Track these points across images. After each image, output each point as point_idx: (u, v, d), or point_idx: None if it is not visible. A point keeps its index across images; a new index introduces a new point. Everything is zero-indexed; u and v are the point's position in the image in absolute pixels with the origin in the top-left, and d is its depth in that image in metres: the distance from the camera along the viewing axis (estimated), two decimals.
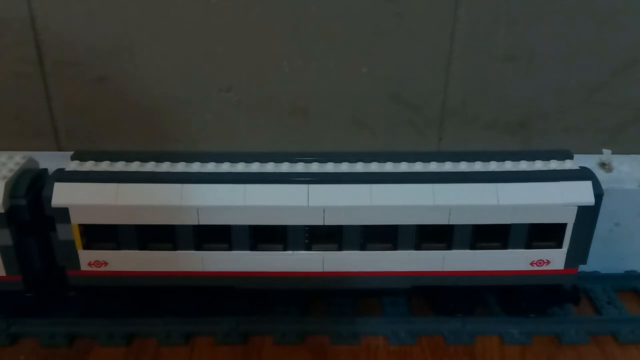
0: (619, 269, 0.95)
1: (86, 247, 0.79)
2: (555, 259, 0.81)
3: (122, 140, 0.89)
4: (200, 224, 0.78)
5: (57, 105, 0.87)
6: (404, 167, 0.80)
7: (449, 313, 0.86)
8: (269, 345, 0.82)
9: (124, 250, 0.79)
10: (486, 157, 0.82)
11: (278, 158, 0.81)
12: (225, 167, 0.80)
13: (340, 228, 0.79)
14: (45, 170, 0.83)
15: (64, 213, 0.77)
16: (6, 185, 0.77)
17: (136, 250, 0.79)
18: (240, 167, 0.80)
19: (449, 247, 0.80)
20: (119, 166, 0.80)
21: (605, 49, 0.85)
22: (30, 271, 0.81)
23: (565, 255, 0.81)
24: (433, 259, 0.81)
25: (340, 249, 0.80)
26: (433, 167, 0.80)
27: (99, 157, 0.81)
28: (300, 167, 0.80)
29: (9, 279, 0.80)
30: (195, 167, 0.80)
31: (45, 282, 0.83)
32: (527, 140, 0.91)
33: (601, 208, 0.78)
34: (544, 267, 0.81)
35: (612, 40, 0.85)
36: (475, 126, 0.89)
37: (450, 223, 0.78)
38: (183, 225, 0.78)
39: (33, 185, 0.79)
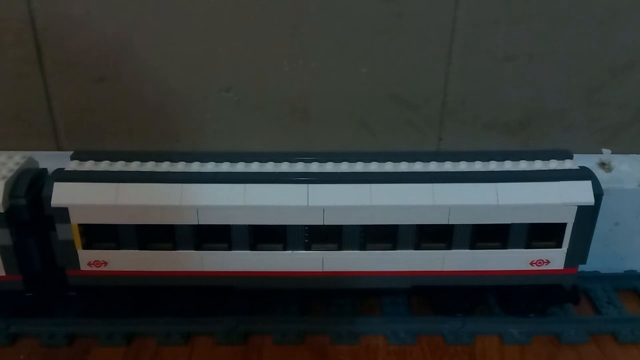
0: (619, 269, 0.95)
1: (86, 247, 0.79)
2: (555, 258, 0.81)
3: (121, 140, 0.89)
4: (200, 223, 0.78)
5: (57, 105, 0.87)
6: (403, 167, 0.80)
7: (448, 313, 0.86)
8: (269, 345, 0.82)
9: (123, 250, 0.79)
10: (486, 157, 0.82)
11: (278, 158, 0.81)
12: (225, 167, 0.80)
13: (340, 228, 0.79)
14: (45, 170, 0.83)
15: (63, 213, 0.77)
16: (6, 185, 0.77)
17: (136, 250, 0.79)
18: (240, 167, 0.80)
19: (449, 247, 0.80)
20: (119, 166, 0.80)
21: (605, 49, 0.85)
22: (30, 271, 0.81)
23: (565, 255, 0.81)
24: (433, 259, 0.81)
25: (340, 248, 0.80)
26: (433, 167, 0.80)
27: (98, 157, 0.81)
28: (299, 167, 0.80)
29: (9, 279, 0.80)
30: (195, 167, 0.80)
31: (45, 282, 0.83)
32: (527, 140, 0.91)
33: (601, 208, 0.78)
34: (544, 267, 0.81)
35: (612, 40, 0.85)
36: (475, 126, 0.89)
37: (450, 223, 0.78)
38: (183, 225, 0.78)
39: (33, 185, 0.79)
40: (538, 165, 0.81)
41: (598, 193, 0.78)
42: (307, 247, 0.80)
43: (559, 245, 0.80)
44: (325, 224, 0.78)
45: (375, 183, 0.78)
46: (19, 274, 0.80)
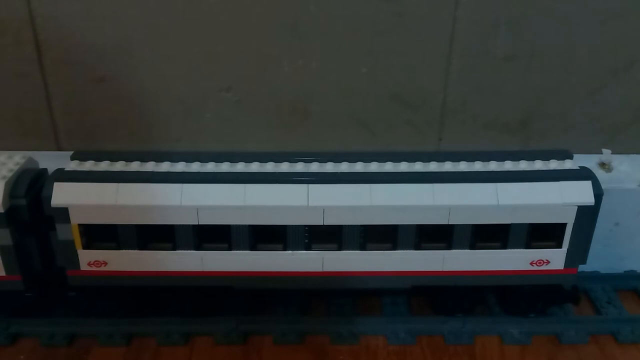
0: (619, 269, 0.95)
1: (86, 247, 0.79)
2: (555, 258, 0.81)
3: (122, 140, 0.89)
4: (200, 223, 0.78)
5: (57, 105, 0.87)
6: (403, 167, 0.80)
7: (448, 313, 0.86)
8: (269, 345, 0.82)
9: (123, 250, 0.79)
10: (486, 157, 0.82)
11: (278, 158, 0.81)
12: (225, 167, 0.80)
13: (340, 228, 0.79)
14: (45, 170, 0.83)
15: (63, 213, 0.77)
16: (6, 185, 0.77)
17: (136, 250, 0.79)
18: (240, 167, 0.80)
19: (449, 247, 0.80)
20: (119, 166, 0.80)
21: (605, 49, 0.85)
22: (30, 271, 0.81)
23: (565, 255, 0.81)
24: (433, 259, 0.81)
25: (340, 248, 0.80)
26: (433, 167, 0.80)
27: (98, 157, 0.81)
28: (300, 167, 0.80)
29: (9, 278, 0.80)
30: (195, 167, 0.80)
31: (45, 282, 0.83)
32: (527, 140, 0.91)
33: (601, 208, 0.78)
34: (544, 267, 0.81)
35: (612, 40, 0.84)
36: (475, 126, 0.89)
37: (450, 223, 0.78)
38: (183, 225, 0.78)
39: (33, 185, 0.79)
40: (538, 165, 0.81)
41: (598, 193, 0.78)
42: (307, 247, 0.80)
43: (559, 246, 0.80)
44: (325, 224, 0.78)
45: (375, 183, 0.77)
46: (19, 274, 0.80)
